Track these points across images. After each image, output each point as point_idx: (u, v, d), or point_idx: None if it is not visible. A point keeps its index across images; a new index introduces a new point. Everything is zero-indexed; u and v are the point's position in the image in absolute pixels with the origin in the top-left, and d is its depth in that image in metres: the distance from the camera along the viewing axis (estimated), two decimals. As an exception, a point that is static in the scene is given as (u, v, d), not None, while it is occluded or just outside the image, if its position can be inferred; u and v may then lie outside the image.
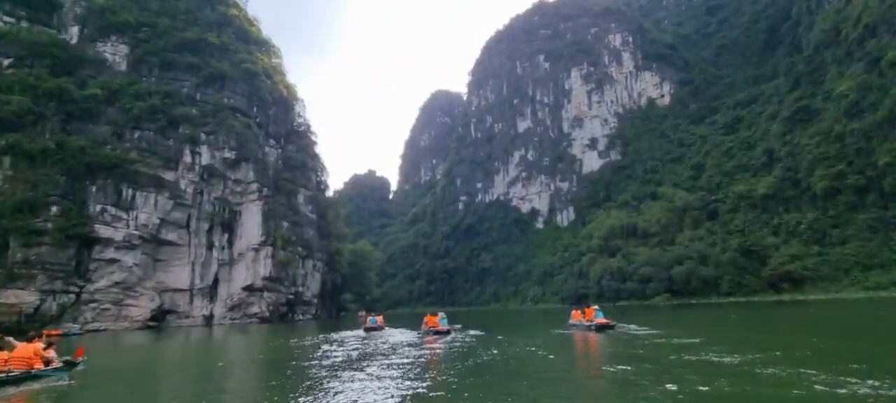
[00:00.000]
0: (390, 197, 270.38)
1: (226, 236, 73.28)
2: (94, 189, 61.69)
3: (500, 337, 24.97)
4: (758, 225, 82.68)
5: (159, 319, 67.02)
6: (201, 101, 73.69)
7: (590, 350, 18.59)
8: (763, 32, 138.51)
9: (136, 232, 63.61)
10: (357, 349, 21.56)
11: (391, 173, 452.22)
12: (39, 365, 13.13)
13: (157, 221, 66.03)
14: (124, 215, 63.19)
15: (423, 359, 16.98)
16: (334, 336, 32.15)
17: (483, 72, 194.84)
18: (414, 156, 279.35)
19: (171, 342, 36.65)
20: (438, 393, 10.30)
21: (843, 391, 8.58)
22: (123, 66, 71.18)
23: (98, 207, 61.34)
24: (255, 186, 74.77)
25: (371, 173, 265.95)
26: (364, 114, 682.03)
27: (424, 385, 11.43)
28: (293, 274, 78.70)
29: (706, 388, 9.39)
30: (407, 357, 17.51)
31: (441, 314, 28.58)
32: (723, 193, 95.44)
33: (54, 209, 57.73)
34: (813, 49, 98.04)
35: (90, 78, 66.99)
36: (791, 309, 42.35)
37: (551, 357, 16.57)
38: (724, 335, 21.82)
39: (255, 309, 73.35)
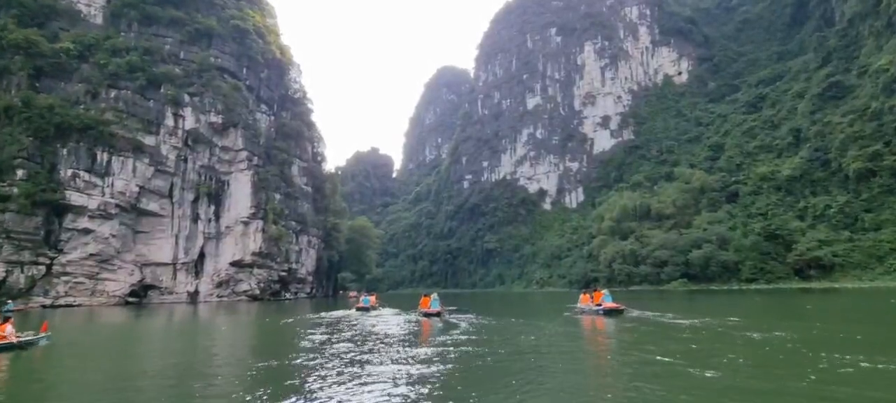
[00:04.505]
0: (394, 175, 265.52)
1: (212, 207, 68.50)
2: (64, 152, 56.52)
3: (491, 318, 23.72)
4: (782, 209, 78.01)
5: (140, 295, 62.79)
6: (185, 60, 67.88)
7: (598, 334, 17.79)
8: (790, 6, 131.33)
9: (112, 201, 58.72)
10: (335, 333, 19.29)
11: (395, 151, 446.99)
12: None
13: (136, 189, 61.07)
14: (99, 181, 58.18)
15: (401, 349, 13.74)
16: (323, 316, 30.15)
17: (491, 46, 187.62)
18: (418, 134, 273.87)
19: (146, 320, 32.58)
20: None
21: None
22: (99, 19, 65.51)
23: (69, 172, 56.31)
24: (244, 154, 69.78)
25: (374, 150, 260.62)
26: (368, 90, 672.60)
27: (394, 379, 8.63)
28: (286, 250, 74.29)
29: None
30: (383, 348, 13.26)
31: (434, 295, 25.55)
32: (744, 174, 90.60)
33: (20, 173, 52.95)
34: (847, 22, 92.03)
35: (62, 30, 61.29)
36: (837, 297, 37.17)
37: (558, 342, 15.75)
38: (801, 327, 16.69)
39: (244, 286, 69.10)
